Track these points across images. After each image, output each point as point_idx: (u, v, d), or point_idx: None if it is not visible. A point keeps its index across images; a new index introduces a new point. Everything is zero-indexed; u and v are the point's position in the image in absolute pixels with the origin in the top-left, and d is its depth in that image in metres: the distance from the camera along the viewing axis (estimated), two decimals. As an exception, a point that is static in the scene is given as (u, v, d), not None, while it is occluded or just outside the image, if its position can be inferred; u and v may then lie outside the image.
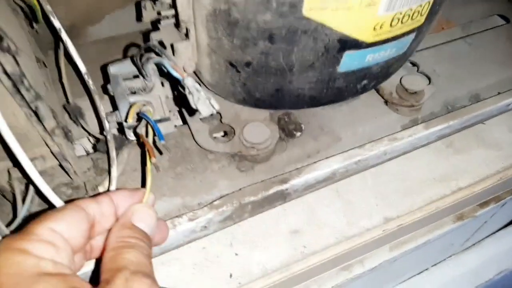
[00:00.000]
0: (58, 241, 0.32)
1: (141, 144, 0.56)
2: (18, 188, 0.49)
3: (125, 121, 0.53)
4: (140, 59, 0.53)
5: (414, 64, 0.76)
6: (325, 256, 0.62)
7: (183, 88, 0.46)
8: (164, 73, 0.55)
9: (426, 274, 1.05)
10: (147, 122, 0.51)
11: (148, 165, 0.43)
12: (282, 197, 0.59)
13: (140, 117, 0.53)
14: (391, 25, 0.50)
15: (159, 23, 0.57)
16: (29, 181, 0.48)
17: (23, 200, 0.48)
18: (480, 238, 1.12)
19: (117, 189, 0.46)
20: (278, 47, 0.49)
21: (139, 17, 0.71)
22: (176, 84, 0.55)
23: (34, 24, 0.60)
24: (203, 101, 0.44)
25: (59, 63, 0.62)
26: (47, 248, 0.32)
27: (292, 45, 0.49)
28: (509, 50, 0.85)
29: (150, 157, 0.44)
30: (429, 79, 0.73)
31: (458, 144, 0.76)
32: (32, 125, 0.44)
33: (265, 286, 0.58)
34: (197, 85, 0.45)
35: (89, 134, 0.61)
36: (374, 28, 0.49)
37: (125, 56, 0.76)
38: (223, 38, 0.50)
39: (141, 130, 0.50)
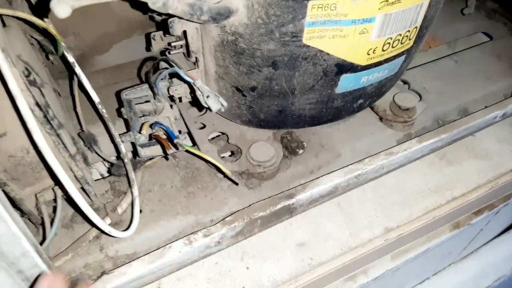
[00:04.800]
0: None
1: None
2: (46, 211, 0.52)
3: (139, 132, 0.57)
4: (154, 72, 0.57)
5: (405, 82, 0.81)
6: (331, 266, 0.65)
7: (195, 91, 0.52)
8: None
9: (428, 283, 1.08)
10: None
11: None
12: (289, 211, 0.62)
13: (151, 136, 0.58)
14: (383, 49, 0.55)
15: (169, 53, 0.61)
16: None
17: (51, 222, 0.51)
18: (477, 246, 1.15)
19: None
20: (281, 72, 0.54)
21: (148, 47, 0.76)
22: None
23: (50, 56, 0.64)
24: (213, 98, 0.49)
25: (74, 93, 0.66)
26: None
27: (293, 71, 0.54)
28: (493, 65, 0.90)
29: (167, 149, 0.50)
30: (420, 96, 0.77)
31: (450, 156, 0.80)
32: (59, 152, 0.47)
33: (276, 297, 0.61)
34: (206, 87, 0.50)
35: (103, 159, 0.64)
36: (368, 53, 0.54)
37: (139, 76, 0.81)
38: (230, 65, 0.55)
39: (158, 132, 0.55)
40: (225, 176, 0.58)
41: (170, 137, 0.54)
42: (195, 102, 0.62)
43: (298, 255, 0.65)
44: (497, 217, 1.01)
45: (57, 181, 0.52)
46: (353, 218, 0.70)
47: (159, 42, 0.64)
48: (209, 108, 0.51)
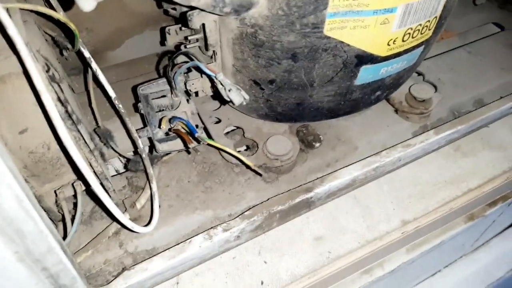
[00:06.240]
0: None
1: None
2: (66, 207, 0.51)
3: (158, 127, 0.57)
4: (172, 68, 0.57)
5: (419, 73, 0.80)
6: (350, 260, 0.65)
7: (216, 84, 0.51)
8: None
9: (439, 275, 1.08)
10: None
11: None
12: (307, 205, 0.62)
13: (171, 131, 0.58)
14: (403, 40, 0.54)
15: (185, 47, 0.60)
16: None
17: (72, 219, 0.51)
18: (489, 238, 1.15)
19: None
20: (300, 64, 0.53)
21: (163, 42, 0.76)
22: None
23: (64, 52, 0.64)
24: (235, 91, 0.49)
25: (88, 89, 0.66)
26: None
27: (313, 62, 0.53)
28: (506, 56, 0.89)
29: (188, 143, 0.50)
30: (435, 87, 0.77)
31: (465, 148, 0.80)
32: (80, 148, 0.47)
33: (295, 291, 0.61)
34: (228, 80, 0.50)
35: (120, 155, 0.64)
36: (388, 44, 0.53)
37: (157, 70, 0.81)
38: (249, 58, 0.54)
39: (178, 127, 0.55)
40: (248, 167, 0.57)
41: (191, 131, 0.53)
42: (217, 96, 0.61)
43: (316, 248, 0.65)
44: (510, 208, 1.01)
45: (80, 177, 0.51)
46: (370, 211, 0.70)
47: (174, 36, 0.64)
48: (231, 102, 0.51)
